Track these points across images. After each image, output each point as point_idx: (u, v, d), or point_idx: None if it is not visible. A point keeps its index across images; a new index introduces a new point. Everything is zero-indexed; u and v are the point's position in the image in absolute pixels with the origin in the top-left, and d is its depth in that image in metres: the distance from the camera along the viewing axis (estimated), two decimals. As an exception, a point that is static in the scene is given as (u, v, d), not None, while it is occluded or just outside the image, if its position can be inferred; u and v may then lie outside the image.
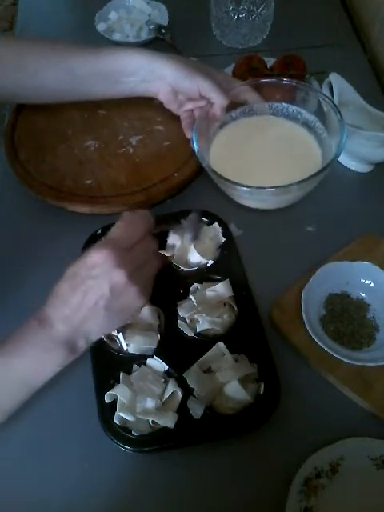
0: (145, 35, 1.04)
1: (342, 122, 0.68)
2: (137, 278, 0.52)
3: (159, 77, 0.72)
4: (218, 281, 0.69)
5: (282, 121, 0.77)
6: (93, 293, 0.51)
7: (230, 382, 0.61)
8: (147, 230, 0.56)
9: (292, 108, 0.75)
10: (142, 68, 0.71)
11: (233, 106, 0.75)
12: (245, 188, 0.64)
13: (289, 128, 0.76)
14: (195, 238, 0.70)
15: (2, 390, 0.53)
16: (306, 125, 0.75)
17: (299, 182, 0.64)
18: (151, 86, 0.73)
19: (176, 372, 0.63)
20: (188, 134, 0.75)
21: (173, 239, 0.73)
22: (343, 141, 0.66)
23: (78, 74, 0.73)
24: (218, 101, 0.71)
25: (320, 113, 0.73)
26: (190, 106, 0.76)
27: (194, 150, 0.69)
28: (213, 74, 0.74)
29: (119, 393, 0.61)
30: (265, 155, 0.74)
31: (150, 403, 0.60)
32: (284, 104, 0.76)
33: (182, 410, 0.61)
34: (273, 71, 0.91)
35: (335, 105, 0.70)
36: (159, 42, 1.04)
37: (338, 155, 0.66)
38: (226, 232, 0.75)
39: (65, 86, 0.75)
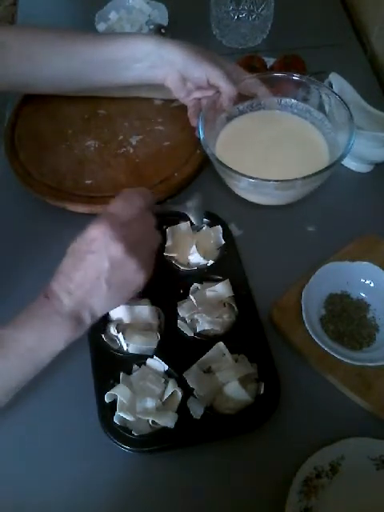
0: (145, 35, 1.04)
1: (351, 120, 0.67)
2: (136, 252, 0.53)
3: (168, 62, 0.70)
4: (218, 281, 0.69)
5: (290, 116, 0.76)
6: (93, 267, 0.53)
7: (230, 382, 0.61)
8: (146, 206, 0.57)
9: (301, 105, 0.75)
10: (151, 53, 0.70)
11: (240, 98, 0.74)
12: (249, 180, 0.64)
13: (297, 124, 0.75)
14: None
15: (11, 362, 0.53)
16: (314, 123, 0.74)
17: (304, 177, 0.63)
18: (159, 72, 0.72)
19: (176, 372, 0.63)
20: (193, 123, 0.74)
21: (171, 241, 0.73)
22: (352, 139, 0.66)
23: (88, 61, 0.72)
24: (227, 91, 0.70)
25: (328, 111, 0.72)
26: (197, 94, 0.74)
27: (199, 139, 0.68)
28: (223, 63, 0.73)
29: (119, 393, 0.61)
30: (271, 150, 0.73)
31: (150, 403, 0.60)
32: (293, 100, 0.75)
33: (182, 410, 0.61)
34: (273, 71, 0.91)
35: (346, 103, 0.69)
36: (159, 42, 1.04)
37: (346, 153, 0.65)
38: (226, 232, 0.75)
39: (75, 75, 0.75)
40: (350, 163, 0.84)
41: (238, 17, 0.99)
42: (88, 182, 0.80)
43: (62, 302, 0.53)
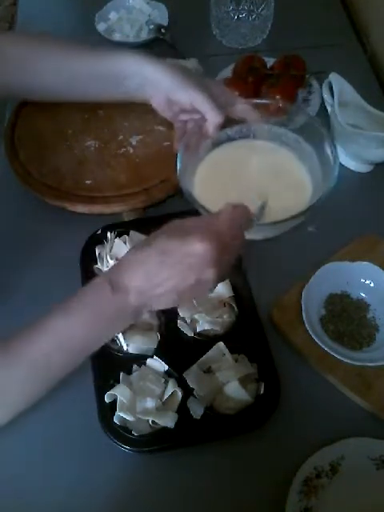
0: (145, 35, 1.04)
1: (335, 158, 0.64)
2: (222, 275, 0.51)
3: (153, 83, 0.69)
4: (218, 281, 0.69)
5: (278, 149, 0.71)
6: (178, 279, 0.50)
7: (230, 382, 0.61)
8: (246, 227, 0.54)
9: (291, 135, 0.70)
10: (137, 73, 0.70)
11: (230, 121, 0.70)
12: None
13: (284, 158, 0.71)
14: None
15: (61, 353, 0.51)
16: (303, 156, 0.70)
17: (274, 222, 0.60)
18: (145, 92, 0.71)
19: (176, 372, 0.63)
20: (176, 147, 0.71)
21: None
22: (332, 182, 0.63)
23: (78, 76, 0.72)
24: (212, 118, 0.67)
25: (317, 143, 0.68)
26: (183, 117, 0.73)
27: (175, 168, 0.64)
28: (210, 87, 0.70)
29: (119, 393, 0.61)
30: (254, 184, 0.68)
31: (150, 403, 0.60)
32: (283, 129, 0.71)
33: (182, 410, 0.61)
34: (273, 71, 0.91)
35: (333, 141, 0.66)
36: (159, 42, 1.04)
37: (323, 198, 0.62)
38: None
39: (67, 87, 0.74)
40: (349, 163, 0.84)
41: (238, 17, 0.99)
42: (88, 182, 0.80)
43: (130, 299, 0.50)
